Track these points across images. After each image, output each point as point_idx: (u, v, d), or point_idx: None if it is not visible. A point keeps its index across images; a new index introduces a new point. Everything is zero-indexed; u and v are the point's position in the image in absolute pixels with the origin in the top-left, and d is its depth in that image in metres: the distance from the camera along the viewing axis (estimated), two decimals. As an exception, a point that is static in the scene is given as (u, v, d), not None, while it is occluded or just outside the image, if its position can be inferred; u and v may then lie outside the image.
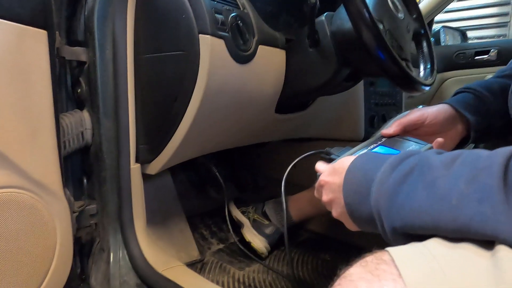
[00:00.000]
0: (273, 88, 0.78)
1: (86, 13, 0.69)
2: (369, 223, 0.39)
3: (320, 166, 0.52)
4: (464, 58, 1.57)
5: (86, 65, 0.70)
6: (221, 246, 1.04)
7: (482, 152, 0.32)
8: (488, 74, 1.52)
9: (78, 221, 0.70)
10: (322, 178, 0.49)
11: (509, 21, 3.03)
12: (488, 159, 0.30)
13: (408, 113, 0.62)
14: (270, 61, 0.74)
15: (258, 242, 0.97)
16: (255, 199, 1.13)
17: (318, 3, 0.67)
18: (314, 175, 0.53)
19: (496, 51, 1.51)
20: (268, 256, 0.98)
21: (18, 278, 0.46)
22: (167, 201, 0.92)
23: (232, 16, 0.64)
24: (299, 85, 0.80)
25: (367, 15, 0.58)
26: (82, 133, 0.70)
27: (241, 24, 0.65)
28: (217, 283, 0.83)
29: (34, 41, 0.52)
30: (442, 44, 1.78)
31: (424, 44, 0.77)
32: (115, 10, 0.67)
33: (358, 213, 0.40)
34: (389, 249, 0.31)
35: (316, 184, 0.51)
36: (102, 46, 0.69)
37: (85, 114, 0.72)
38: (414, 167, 0.35)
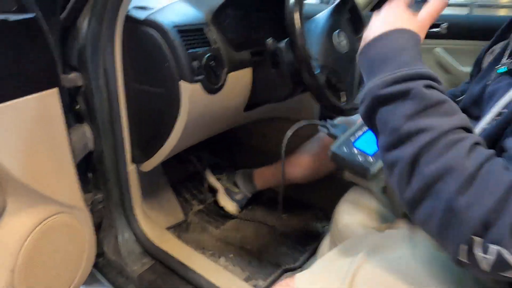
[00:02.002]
0: (242, 99, 0.95)
1: (79, 45, 0.80)
2: None
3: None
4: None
5: (83, 89, 0.84)
6: (201, 207, 1.30)
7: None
8: (438, 46, 1.68)
9: (91, 208, 0.92)
10: None
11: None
12: None
13: None
14: (238, 82, 0.90)
15: (229, 206, 1.23)
16: (230, 165, 1.37)
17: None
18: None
19: (447, 25, 1.65)
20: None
21: (65, 275, 0.69)
22: (157, 180, 1.14)
23: (206, 59, 0.77)
24: (262, 97, 0.97)
25: (306, 61, 0.73)
26: (86, 143, 0.87)
27: (213, 64, 0.79)
28: (199, 242, 1.10)
29: (50, 99, 0.66)
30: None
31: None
32: (105, 45, 0.79)
33: None
34: (297, 275, 0.55)
35: None
36: (95, 73, 0.81)
37: (86, 128, 0.87)
38: None
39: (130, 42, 0.77)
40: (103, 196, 0.95)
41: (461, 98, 0.72)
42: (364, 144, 0.67)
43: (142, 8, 0.82)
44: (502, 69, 0.57)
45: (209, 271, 0.90)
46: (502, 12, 3.20)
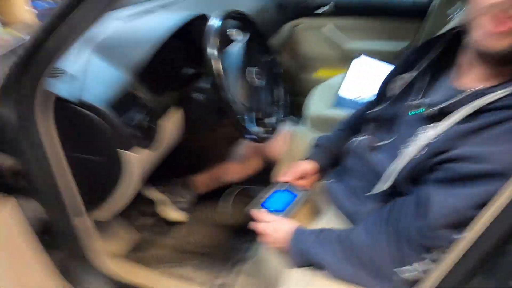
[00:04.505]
0: (177, 136, 1.04)
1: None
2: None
3: (265, 217, 0.85)
4: (308, 8, 1.89)
5: (22, 169, 0.84)
6: (151, 221, 1.40)
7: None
8: (328, 23, 1.89)
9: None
10: (268, 230, 0.82)
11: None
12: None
13: (296, 166, 0.98)
14: (171, 124, 0.98)
15: (177, 216, 1.36)
16: (169, 175, 1.46)
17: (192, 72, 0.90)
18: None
19: (333, 4, 1.85)
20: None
21: None
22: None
23: (138, 121, 0.83)
24: (194, 129, 1.07)
25: (228, 104, 0.85)
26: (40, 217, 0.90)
27: (147, 123, 0.86)
28: (159, 257, 1.23)
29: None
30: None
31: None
32: (37, 126, 0.78)
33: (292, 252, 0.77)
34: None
35: (262, 229, 0.83)
36: (32, 154, 0.82)
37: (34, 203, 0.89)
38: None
39: (65, 120, 0.79)
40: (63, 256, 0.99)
41: (373, 112, 0.88)
42: (270, 204, 0.90)
43: (60, 72, 0.81)
44: (416, 111, 0.72)
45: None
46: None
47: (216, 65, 0.83)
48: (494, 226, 0.48)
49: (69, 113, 0.78)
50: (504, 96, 0.59)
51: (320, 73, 2.04)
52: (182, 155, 1.54)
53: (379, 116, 0.85)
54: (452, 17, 1.68)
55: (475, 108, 0.61)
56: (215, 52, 0.84)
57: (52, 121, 0.79)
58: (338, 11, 1.85)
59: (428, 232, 0.61)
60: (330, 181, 0.94)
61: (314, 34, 1.93)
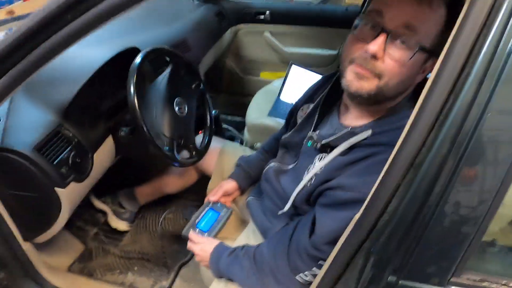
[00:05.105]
0: (111, 161, 1.12)
1: None
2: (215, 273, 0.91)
3: (194, 238, 0.97)
4: (249, 15, 1.96)
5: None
6: (96, 229, 1.48)
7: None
8: (266, 29, 1.98)
9: None
10: (196, 250, 0.95)
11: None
12: None
13: (220, 185, 1.10)
14: (104, 153, 1.05)
15: (121, 225, 1.45)
16: (111, 185, 1.53)
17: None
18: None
19: (269, 12, 1.94)
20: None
21: None
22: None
23: (71, 159, 0.91)
24: (126, 155, 1.15)
25: (152, 141, 0.94)
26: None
27: (79, 159, 0.93)
28: (105, 265, 1.33)
29: None
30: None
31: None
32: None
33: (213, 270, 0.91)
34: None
35: (193, 249, 0.96)
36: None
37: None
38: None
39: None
40: (5, 275, 1.06)
41: (284, 137, 0.98)
42: (201, 225, 1.01)
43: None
44: (309, 143, 0.83)
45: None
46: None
47: (133, 102, 0.90)
48: (343, 246, 0.61)
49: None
50: (369, 136, 0.71)
51: (263, 76, 2.14)
52: (125, 168, 1.62)
53: (287, 143, 0.97)
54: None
55: (350, 144, 0.72)
56: (132, 90, 0.90)
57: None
58: (275, 19, 1.94)
59: (315, 246, 0.75)
60: (250, 197, 1.07)
61: (255, 39, 2.01)
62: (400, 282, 0.51)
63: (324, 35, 1.92)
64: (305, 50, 1.95)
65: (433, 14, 0.64)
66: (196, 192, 1.41)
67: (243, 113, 1.97)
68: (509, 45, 0.42)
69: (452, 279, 0.49)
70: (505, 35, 0.42)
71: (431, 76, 0.49)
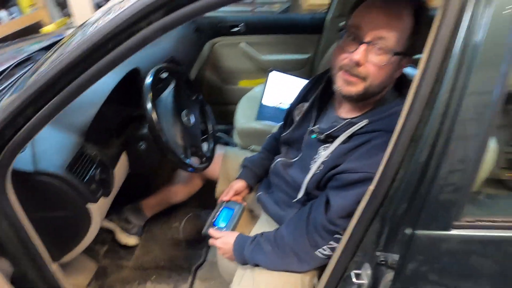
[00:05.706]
0: (124, 174, 1.19)
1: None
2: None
3: (215, 234, 1.06)
4: (224, 28, 2.08)
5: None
6: (106, 247, 1.51)
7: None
8: (241, 40, 2.11)
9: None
10: (219, 244, 1.03)
11: None
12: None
13: (231, 186, 1.19)
14: (121, 169, 1.12)
15: (130, 241, 1.50)
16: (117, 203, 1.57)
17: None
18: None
19: (244, 24, 2.07)
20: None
21: None
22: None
23: (98, 176, 0.98)
24: (140, 169, 1.22)
25: (168, 148, 1.03)
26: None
27: (104, 175, 1.00)
28: (122, 279, 1.37)
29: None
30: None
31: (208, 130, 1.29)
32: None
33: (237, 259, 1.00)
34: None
35: (215, 244, 1.05)
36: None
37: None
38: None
39: (27, 190, 0.89)
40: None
41: (284, 135, 1.10)
42: (218, 222, 1.10)
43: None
44: (313, 135, 0.95)
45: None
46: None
47: (152, 116, 0.99)
48: (362, 216, 0.74)
49: (31, 183, 0.88)
50: (366, 124, 0.85)
51: (241, 84, 2.26)
52: (130, 182, 1.67)
53: (288, 139, 1.10)
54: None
55: (350, 133, 0.85)
56: (149, 105, 0.99)
57: (12, 193, 0.89)
58: (249, 30, 2.07)
59: (331, 222, 0.87)
60: (259, 193, 1.18)
61: (232, 50, 2.14)
62: (415, 232, 0.65)
63: (296, 41, 2.09)
64: (280, 57, 2.10)
65: (401, 24, 0.77)
66: (201, 198, 1.50)
67: (226, 121, 2.09)
68: (476, 39, 0.57)
69: (455, 223, 0.63)
70: (472, 32, 0.57)
71: (419, 71, 0.63)
